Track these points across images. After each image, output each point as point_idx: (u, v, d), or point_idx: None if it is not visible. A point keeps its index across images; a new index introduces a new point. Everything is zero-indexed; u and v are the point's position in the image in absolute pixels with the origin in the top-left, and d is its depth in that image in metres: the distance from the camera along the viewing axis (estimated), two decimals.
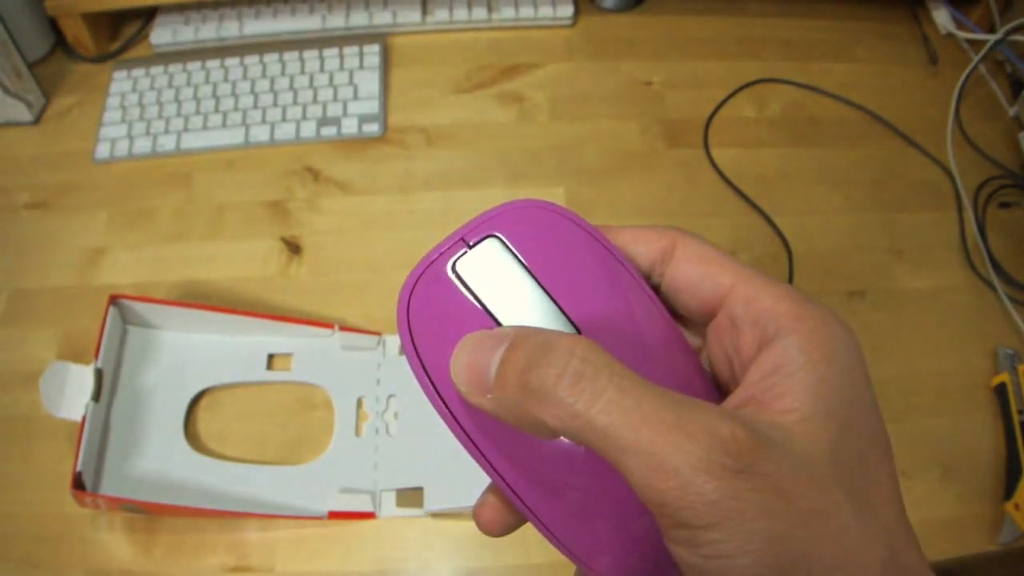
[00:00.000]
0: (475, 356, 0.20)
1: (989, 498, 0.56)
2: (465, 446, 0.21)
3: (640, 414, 0.17)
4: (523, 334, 0.19)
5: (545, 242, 0.22)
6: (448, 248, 0.22)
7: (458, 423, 0.21)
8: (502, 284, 0.22)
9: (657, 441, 0.17)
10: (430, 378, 0.21)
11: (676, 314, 0.24)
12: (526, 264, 0.22)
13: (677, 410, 0.17)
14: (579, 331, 0.21)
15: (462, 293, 0.21)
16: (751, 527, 0.17)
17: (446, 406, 0.21)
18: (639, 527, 0.21)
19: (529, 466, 0.21)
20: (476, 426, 0.21)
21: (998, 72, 0.77)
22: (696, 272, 0.22)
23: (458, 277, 0.22)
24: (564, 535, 0.21)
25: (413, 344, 0.21)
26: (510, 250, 0.22)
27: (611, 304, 0.22)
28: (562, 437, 0.19)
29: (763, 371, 0.19)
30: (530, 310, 0.21)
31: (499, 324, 0.21)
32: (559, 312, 0.21)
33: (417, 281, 0.22)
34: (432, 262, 0.22)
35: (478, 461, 0.21)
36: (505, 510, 0.23)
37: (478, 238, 0.22)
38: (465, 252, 0.22)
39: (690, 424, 0.17)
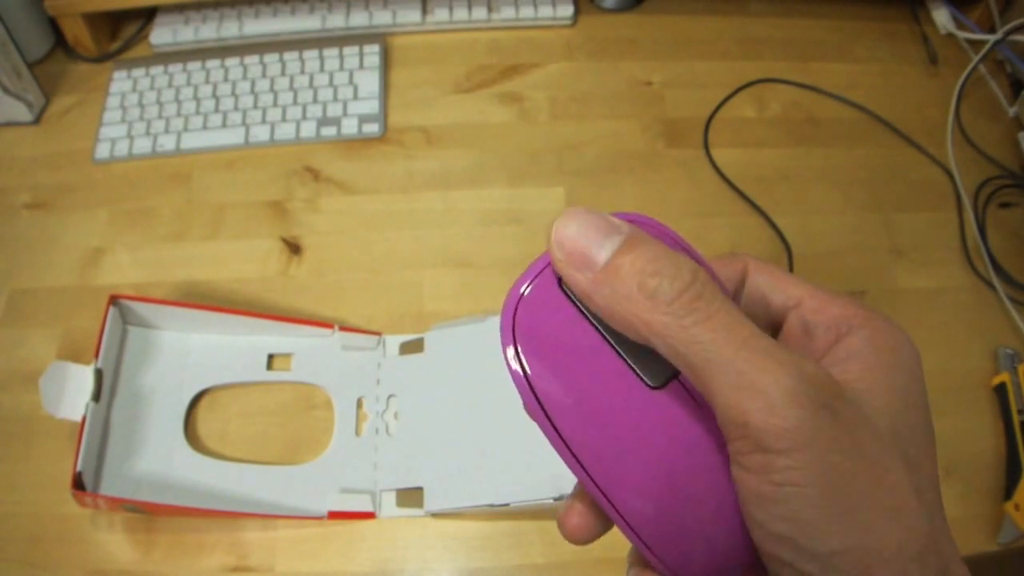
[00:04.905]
0: (585, 232, 0.20)
1: (989, 498, 0.56)
2: (557, 448, 0.22)
3: (740, 336, 0.19)
4: (638, 234, 0.20)
5: None
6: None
7: (555, 429, 0.21)
8: None
9: (751, 361, 0.18)
10: (528, 379, 0.22)
11: None
12: None
13: (772, 342, 0.19)
14: None
15: (569, 306, 0.22)
16: (825, 458, 0.18)
17: (545, 413, 0.21)
18: (738, 542, 0.21)
19: (621, 469, 0.21)
20: (574, 434, 0.21)
21: (998, 72, 0.77)
22: (767, 285, 0.24)
23: (564, 291, 0.22)
24: (655, 541, 0.22)
25: (518, 353, 0.22)
26: None
27: None
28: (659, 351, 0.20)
29: (837, 358, 0.21)
30: None
31: (604, 335, 0.22)
32: None
33: (525, 291, 0.22)
34: (539, 273, 0.22)
35: (568, 463, 0.22)
36: (592, 516, 0.23)
37: None
38: None
39: (782, 355, 0.18)
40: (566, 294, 0.22)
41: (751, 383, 0.18)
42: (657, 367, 0.21)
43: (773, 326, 0.24)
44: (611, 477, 0.21)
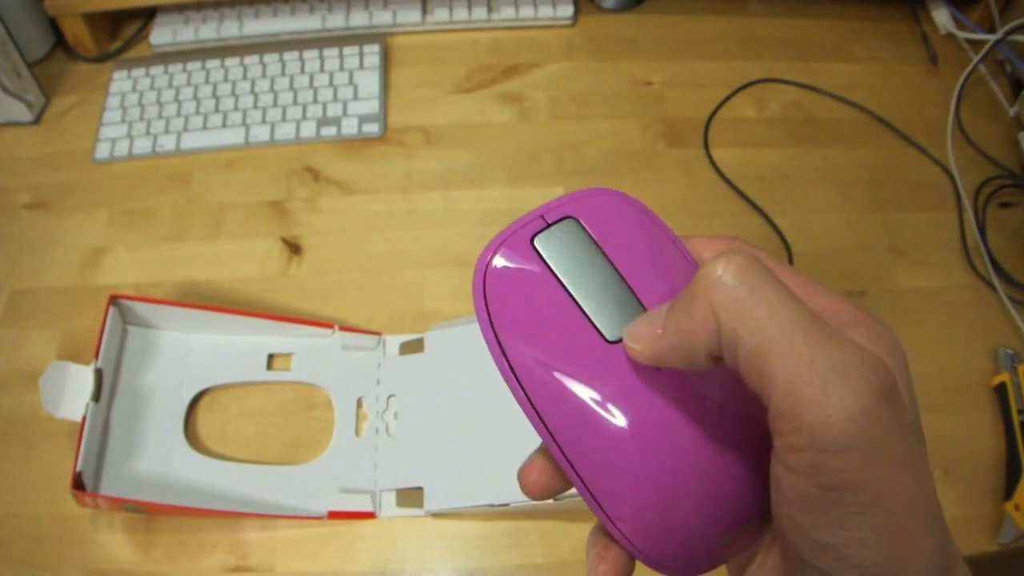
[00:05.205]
0: (644, 320, 0.21)
1: (989, 498, 0.56)
2: (521, 404, 0.22)
3: (796, 316, 0.18)
4: None
5: (617, 227, 0.24)
6: (528, 223, 0.23)
7: (517, 379, 0.22)
8: (576, 260, 0.23)
9: (810, 344, 0.17)
10: (496, 333, 0.22)
11: None
12: (599, 244, 0.23)
13: (825, 323, 0.18)
14: (645, 309, 0.22)
15: (539, 263, 0.23)
16: (879, 466, 0.16)
17: (508, 362, 0.22)
18: (693, 509, 0.21)
19: (583, 432, 0.21)
20: (535, 386, 0.22)
21: (998, 72, 0.77)
22: None
23: (536, 249, 0.23)
24: (610, 505, 0.22)
25: (486, 304, 0.23)
26: (585, 231, 0.23)
27: (678, 287, 0.23)
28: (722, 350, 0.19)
29: None
30: (602, 286, 0.23)
31: (570, 293, 0.22)
32: (629, 290, 0.23)
33: (499, 247, 0.23)
34: (513, 233, 0.23)
35: (532, 421, 0.22)
36: (553, 474, 0.23)
37: (556, 217, 0.23)
38: (544, 228, 0.23)
39: (839, 336, 0.17)
40: (537, 251, 0.23)
41: (810, 366, 0.17)
42: (617, 320, 0.22)
43: None
44: (576, 446, 0.21)
